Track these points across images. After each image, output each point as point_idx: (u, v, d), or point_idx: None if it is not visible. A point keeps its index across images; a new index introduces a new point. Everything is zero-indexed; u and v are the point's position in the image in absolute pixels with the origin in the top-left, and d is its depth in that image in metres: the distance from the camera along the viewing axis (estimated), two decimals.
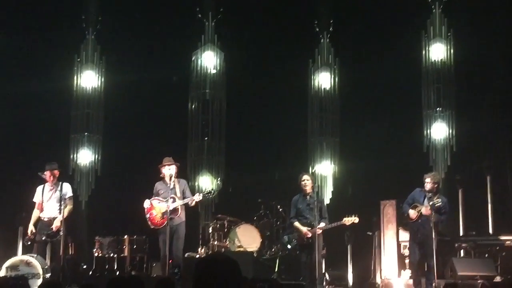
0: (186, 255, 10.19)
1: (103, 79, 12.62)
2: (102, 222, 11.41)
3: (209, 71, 12.74)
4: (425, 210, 8.59)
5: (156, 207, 8.89)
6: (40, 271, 7.98)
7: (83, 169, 12.30)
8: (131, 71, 12.05)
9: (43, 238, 8.59)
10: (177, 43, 12.49)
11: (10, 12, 11.92)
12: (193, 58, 12.79)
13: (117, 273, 10.51)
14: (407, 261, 9.79)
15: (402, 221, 9.86)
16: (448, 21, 12.20)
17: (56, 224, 8.57)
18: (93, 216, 11.95)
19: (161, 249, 8.76)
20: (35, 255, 8.30)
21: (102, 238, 10.74)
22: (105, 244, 10.68)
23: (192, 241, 10.96)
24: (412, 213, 8.79)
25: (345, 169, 12.63)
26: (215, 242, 11.05)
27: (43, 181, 8.86)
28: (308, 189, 8.96)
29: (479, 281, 8.70)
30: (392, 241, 10.26)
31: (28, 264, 8.04)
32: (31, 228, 8.76)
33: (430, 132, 12.07)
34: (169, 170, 8.92)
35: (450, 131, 11.99)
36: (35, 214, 8.83)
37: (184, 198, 8.86)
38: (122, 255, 10.71)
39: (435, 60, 12.22)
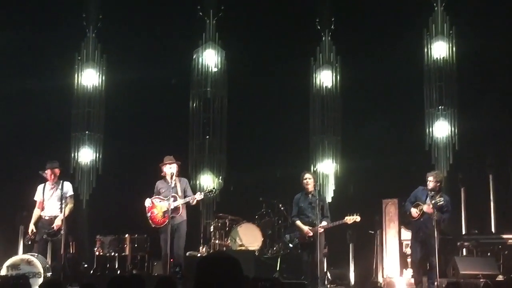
0: (187, 254, 10.17)
1: (104, 78, 12.60)
2: (103, 220, 11.38)
3: (210, 69, 12.72)
4: (427, 207, 8.56)
5: (157, 206, 8.87)
6: (41, 270, 7.96)
7: (84, 167, 12.29)
8: (132, 69, 12.02)
9: (44, 237, 8.57)
10: (178, 41, 12.47)
11: (10, 10, 11.89)
12: (194, 57, 12.77)
13: (118, 272, 10.49)
14: (409, 260, 9.76)
15: (404, 220, 9.84)
16: (450, 19, 12.18)
17: (57, 223, 8.55)
18: (94, 215, 11.93)
19: (162, 248, 8.74)
20: (36, 254, 8.28)
21: (103, 237, 10.72)
22: (106, 243, 10.66)
23: (194, 240, 10.95)
24: (414, 212, 8.76)
25: (347, 168, 12.60)
26: (217, 241, 11.03)
27: (44, 180, 8.84)
28: (310, 187, 8.94)
29: (481, 280, 8.67)
30: (394, 240, 10.23)
31: (29, 263, 8.02)
32: (31, 227, 8.73)
33: (432, 130, 12.05)
34: (170, 168, 8.90)
35: (452, 129, 11.96)
36: (36, 213, 8.81)
37: (185, 197, 8.83)
38: (123, 254, 10.68)
39: (437, 58, 12.20)
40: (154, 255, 10.38)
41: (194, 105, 12.73)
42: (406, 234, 9.84)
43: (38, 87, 11.44)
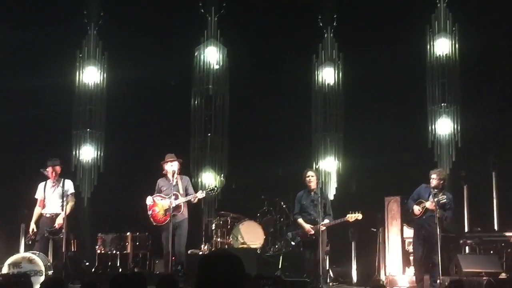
0: (189, 252, 10.17)
1: (105, 75, 12.58)
2: (104, 219, 11.37)
3: (212, 66, 12.69)
4: (430, 204, 8.53)
5: (159, 204, 8.84)
6: (43, 268, 7.95)
7: (86, 165, 12.28)
8: (133, 66, 12.00)
9: (46, 235, 8.55)
10: (180, 39, 12.44)
11: (11, 8, 11.87)
12: (196, 54, 12.74)
13: (120, 270, 10.48)
14: (411, 257, 9.71)
15: (407, 218, 9.80)
16: (453, 16, 12.15)
17: (58, 221, 8.54)
18: (96, 213, 11.91)
19: (164, 246, 8.72)
20: (38, 252, 8.27)
21: (105, 235, 10.71)
22: (107, 241, 10.65)
23: (195, 238, 10.94)
24: (417, 209, 8.72)
25: (349, 165, 12.57)
26: (218, 239, 11.01)
27: (45, 178, 8.83)
28: (313, 185, 8.91)
29: (484, 278, 8.63)
30: (396, 237, 10.19)
31: (30, 261, 8.00)
32: (32, 226, 8.72)
33: (435, 127, 12.02)
34: (171, 166, 8.87)
35: (455, 126, 11.93)
36: (37, 211, 8.80)
37: (186, 195, 8.81)
38: (124, 252, 10.68)
39: (440, 55, 12.16)
40: (156, 253, 10.37)
41: (196, 102, 12.70)
42: (409, 232, 9.81)
43: (39, 85, 11.42)
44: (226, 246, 10.84)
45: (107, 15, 12.42)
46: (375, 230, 10.45)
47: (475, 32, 11.59)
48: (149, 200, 8.92)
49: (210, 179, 12.42)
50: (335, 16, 12.83)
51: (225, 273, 2.96)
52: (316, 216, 8.70)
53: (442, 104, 12.01)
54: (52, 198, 8.76)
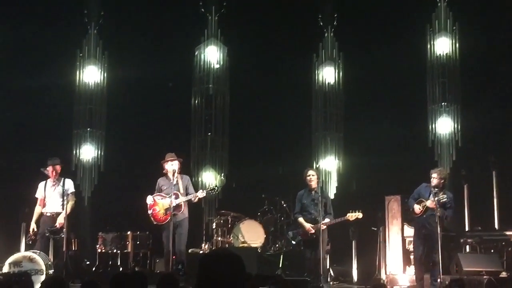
0: (189, 251, 10.17)
1: (105, 74, 12.58)
2: (105, 218, 11.37)
3: (212, 66, 12.70)
4: (430, 202, 8.52)
5: (159, 203, 8.84)
6: (43, 267, 7.94)
7: (86, 164, 12.28)
8: (133, 66, 12.00)
9: (47, 235, 8.55)
10: (180, 38, 12.45)
11: (11, 7, 11.86)
12: (196, 53, 12.74)
13: (120, 269, 10.47)
14: (412, 256, 9.71)
15: (407, 217, 9.80)
16: (453, 15, 12.14)
17: (60, 221, 8.54)
18: (96, 212, 11.92)
19: (165, 245, 8.72)
20: (38, 251, 8.26)
21: (105, 234, 10.71)
22: (108, 240, 10.65)
23: (196, 237, 10.94)
24: (417, 208, 8.72)
25: (350, 164, 12.57)
26: (219, 238, 11.01)
27: (46, 177, 8.83)
28: (314, 184, 8.91)
29: (484, 277, 8.63)
30: (397, 236, 10.19)
31: (31, 260, 7.99)
32: (32, 226, 8.72)
33: (435, 127, 12.02)
34: (172, 165, 8.86)
35: (455, 125, 11.93)
36: (37, 210, 8.80)
37: (187, 194, 8.80)
38: (125, 251, 10.68)
39: (440, 54, 12.16)
40: (156, 252, 10.37)
41: (196, 101, 12.71)
42: (409, 231, 9.80)
43: (40, 84, 11.42)
44: (227, 245, 10.85)
45: (107, 14, 12.42)
46: (375, 229, 10.45)
47: (476, 32, 11.59)
48: (149, 199, 8.91)
49: (210, 178, 12.42)
50: (335, 15, 12.84)
51: (226, 272, 2.96)
52: (317, 215, 8.70)
53: (443, 103, 12.01)
54: (53, 197, 8.76)
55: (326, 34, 12.96)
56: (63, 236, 8.35)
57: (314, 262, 8.71)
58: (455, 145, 11.85)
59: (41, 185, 8.85)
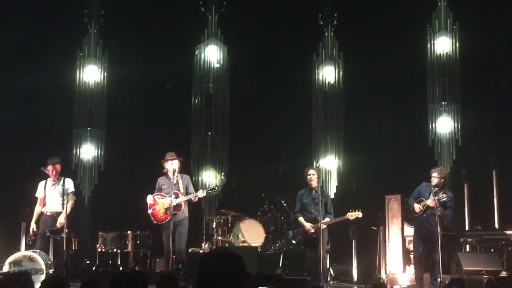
0: (189, 250, 10.17)
1: (105, 74, 12.58)
2: (105, 217, 11.37)
3: (212, 65, 12.70)
4: (430, 201, 8.52)
5: (159, 203, 8.84)
6: (43, 267, 7.94)
7: (86, 164, 12.28)
8: (134, 65, 12.00)
9: (47, 234, 8.55)
10: (180, 37, 12.44)
11: (11, 7, 11.86)
12: (196, 52, 12.74)
13: (121, 268, 10.48)
14: (412, 256, 9.71)
15: (407, 216, 9.80)
16: (453, 14, 12.13)
17: (60, 220, 8.54)
18: (96, 212, 11.92)
19: (165, 244, 8.71)
20: (38, 251, 8.27)
21: (105, 234, 10.71)
22: (108, 239, 10.65)
23: (196, 236, 10.94)
24: (417, 207, 8.72)
25: (350, 164, 12.57)
26: (219, 237, 11.01)
27: (46, 176, 8.83)
28: (314, 183, 8.90)
29: (484, 276, 8.63)
30: (397, 236, 10.19)
31: (31, 259, 8.00)
32: (32, 226, 8.72)
33: (435, 126, 12.01)
34: (172, 165, 8.85)
35: (456, 125, 11.93)
36: (37, 210, 8.80)
37: (187, 193, 8.80)
38: (125, 250, 10.68)
39: (440, 54, 12.15)
40: (156, 252, 10.36)
41: (196, 101, 12.71)
42: (409, 230, 9.80)
43: (40, 84, 11.43)
44: (227, 245, 10.85)
45: (107, 13, 12.41)
46: (375, 228, 10.45)
47: (476, 31, 11.58)
48: (149, 199, 8.91)
49: (210, 177, 12.42)
50: (335, 14, 12.83)
51: (226, 271, 2.96)
52: (317, 214, 8.70)
53: (443, 103, 12.01)
54: (53, 197, 8.76)
55: (326, 34, 12.95)
56: (63, 235, 8.35)
57: (314, 261, 8.70)
58: (455, 145, 11.85)
59: (41, 184, 8.85)
